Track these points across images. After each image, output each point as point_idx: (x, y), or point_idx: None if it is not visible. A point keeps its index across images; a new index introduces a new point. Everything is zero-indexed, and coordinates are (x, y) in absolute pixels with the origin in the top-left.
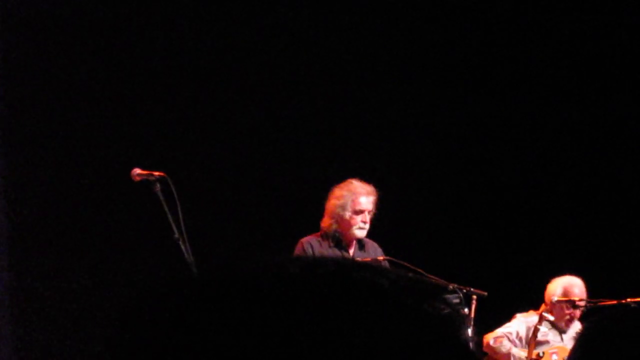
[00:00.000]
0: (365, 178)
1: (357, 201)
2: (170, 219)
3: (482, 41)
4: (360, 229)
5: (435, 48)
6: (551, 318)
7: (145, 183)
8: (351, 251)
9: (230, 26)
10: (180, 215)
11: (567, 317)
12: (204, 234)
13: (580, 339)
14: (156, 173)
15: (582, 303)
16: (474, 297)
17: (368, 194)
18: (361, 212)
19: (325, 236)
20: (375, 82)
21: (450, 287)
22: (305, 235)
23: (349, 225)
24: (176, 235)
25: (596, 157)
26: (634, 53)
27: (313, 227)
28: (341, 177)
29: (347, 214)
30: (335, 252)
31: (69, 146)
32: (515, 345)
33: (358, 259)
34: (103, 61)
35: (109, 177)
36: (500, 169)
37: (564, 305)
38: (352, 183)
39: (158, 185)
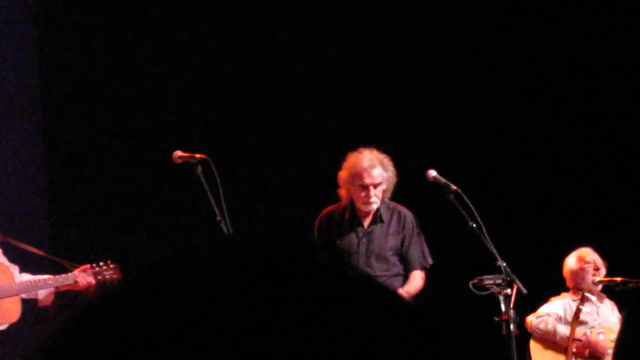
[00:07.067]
0: (398, 156)
1: (360, 175)
2: (212, 201)
3: (511, 30)
4: (365, 203)
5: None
6: (593, 298)
7: (187, 166)
8: (365, 223)
9: (266, 13)
10: (222, 197)
11: (593, 286)
12: (246, 215)
13: (627, 318)
14: (198, 155)
15: (618, 280)
16: (516, 283)
17: (371, 167)
18: (365, 186)
19: (345, 206)
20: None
21: (498, 263)
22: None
23: (356, 198)
24: (218, 217)
25: (624, 142)
26: None
27: None
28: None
29: (352, 187)
30: (349, 224)
31: (112, 130)
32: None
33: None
34: (147, 44)
35: (152, 160)
36: (528, 152)
37: (593, 280)
38: (359, 154)
39: (200, 167)
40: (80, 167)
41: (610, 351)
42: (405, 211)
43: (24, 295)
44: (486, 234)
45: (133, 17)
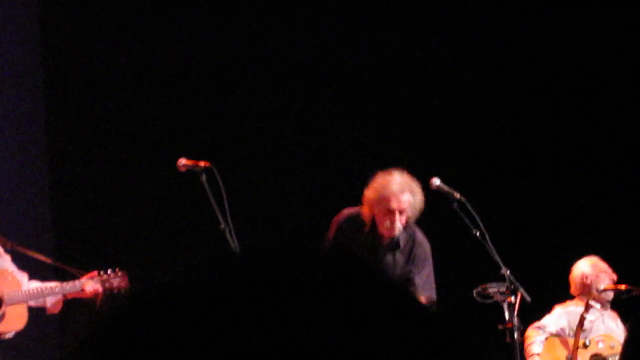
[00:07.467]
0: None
1: (388, 198)
2: (216, 208)
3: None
4: (387, 229)
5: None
6: (598, 306)
7: (191, 173)
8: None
9: (273, 16)
10: (226, 205)
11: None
12: (250, 223)
13: (632, 327)
14: (202, 163)
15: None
16: (520, 291)
17: (400, 192)
18: (391, 212)
19: (364, 221)
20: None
21: (502, 271)
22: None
23: (379, 220)
24: (222, 225)
25: (628, 149)
26: None
27: None
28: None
29: (377, 209)
30: (364, 242)
31: (116, 136)
32: (554, 335)
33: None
34: (153, 50)
35: (155, 168)
36: (531, 160)
37: (598, 288)
38: (389, 176)
39: (204, 175)
40: (85, 174)
41: None
42: (421, 240)
43: (32, 303)
44: (490, 242)
45: (138, 21)
